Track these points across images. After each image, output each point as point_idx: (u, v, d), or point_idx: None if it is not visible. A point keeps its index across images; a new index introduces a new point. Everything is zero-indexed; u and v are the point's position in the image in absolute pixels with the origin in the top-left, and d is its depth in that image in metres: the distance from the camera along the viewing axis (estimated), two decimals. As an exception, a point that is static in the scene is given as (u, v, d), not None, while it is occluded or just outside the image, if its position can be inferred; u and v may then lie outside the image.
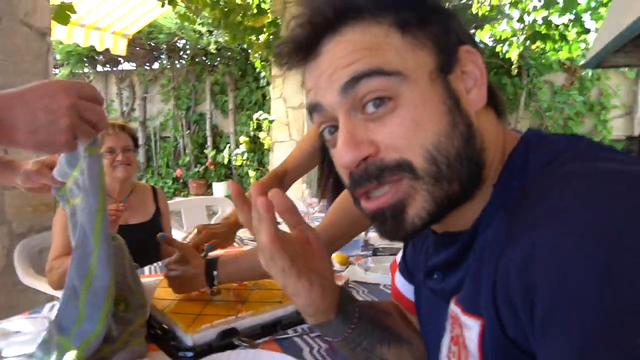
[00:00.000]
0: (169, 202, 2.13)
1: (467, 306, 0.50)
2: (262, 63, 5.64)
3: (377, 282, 1.34)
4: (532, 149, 0.49)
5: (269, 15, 4.90)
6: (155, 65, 8.27)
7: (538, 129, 0.53)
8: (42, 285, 1.79)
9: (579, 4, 5.03)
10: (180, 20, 5.64)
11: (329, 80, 0.49)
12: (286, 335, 0.99)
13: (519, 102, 6.74)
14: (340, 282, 1.26)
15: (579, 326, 0.33)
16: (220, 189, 7.82)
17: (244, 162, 7.33)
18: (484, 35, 6.07)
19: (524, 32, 5.76)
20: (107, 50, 4.90)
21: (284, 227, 0.57)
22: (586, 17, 5.38)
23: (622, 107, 6.66)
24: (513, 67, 6.32)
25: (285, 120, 5.38)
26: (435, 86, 0.48)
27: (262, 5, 4.80)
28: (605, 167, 0.41)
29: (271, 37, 4.95)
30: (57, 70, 7.91)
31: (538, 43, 5.43)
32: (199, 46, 7.55)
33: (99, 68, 8.32)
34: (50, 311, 1.13)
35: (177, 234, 2.23)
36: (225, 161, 7.76)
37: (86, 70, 8.27)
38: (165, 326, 1.01)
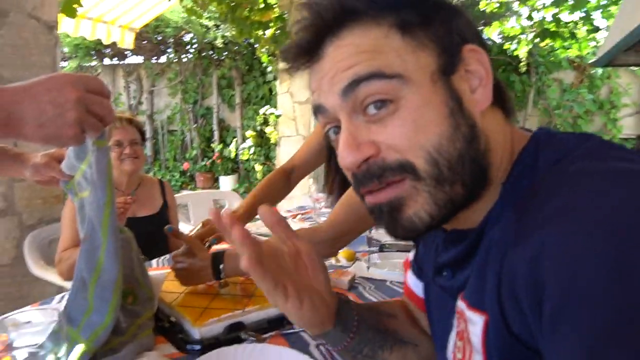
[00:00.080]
0: (176, 195, 2.13)
1: (472, 301, 0.50)
2: (269, 58, 5.64)
3: (383, 278, 1.34)
4: (542, 148, 0.49)
5: (276, 9, 4.89)
6: (162, 59, 8.28)
7: (548, 128, 0.53)
8: (51, 276, 1.81)
9: (588, 1, 4.98)
10: (187, 15, 5.65)
11: (330, 83, 0.49)
12: (293, 330, 0.99)
13: (528, 99, 6.69)
14: (346, 278, 1.26)
15: (589, 324, 0.33)
16: (227, 182, 7.84)
17: (251, 156, 7.34)
18: (492, 33, 6.02)
19: (533, 29, 5.72)
20: (114, 43, 4.91)
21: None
22: (596, 15, 5.33)
23: (633, 105, 6.59)
24: (522, 64, 6.28)
25: (292, 115, 5.38)
26: (437, 87, 0.47)
27: (269, 0, 4.79)
28: (615, 165, 0.41)
29: (278, 31, 4.94)
30: (64, 64, 7.95)
31: (547, 41, 5.39)
32: (205, 40, 7.55)
33: (107, 61, 8.34)
34: (60, 302, 1.14)
35: (185, 227, 2.24)
36: (232, 155, 7.78)
37: (94, 63, 8.30)
38: (173, 319, 1.01)
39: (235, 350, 0.88)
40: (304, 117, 5.25)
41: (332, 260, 1.48)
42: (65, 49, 7.65)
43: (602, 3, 5.18)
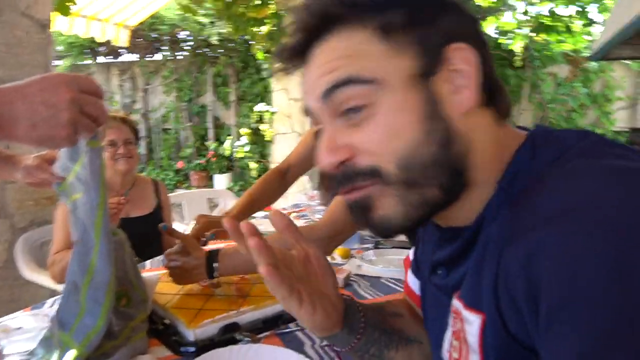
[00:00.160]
0: (170, 194, 2.13)
1: (468, 301, 0.49)
2: (265, 55, 5.62)
3: (378, 275, 1.34)
4: (539, 146, 0.49)
5: (272, 6, 4.87)
6: (157, 57, 8.24)
7: (545, 126, 0.53)
8: (43, 279, 1.79)
9: (584, -5, 4.99)
10: (182, 12, 5.62)
11: (313, 87, 0.51)
12: (288, 330, 0.99)
13: (522, 93, 6.70)
14: (342, 276, 1.26)
15: (589, 324, 0.33)
16: (221, 181, 7.82)
17: (246, 154, 7.33)
18: (488, 27, 6.02)
19: (529, 23, 5.72)
20: (108, 41, 4.87)
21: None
22: (591, 9, 5.34)
23: (627, 99, 6.60)
24: (517, 58, 6.28)
25: (288, 112, 5.37)
26: (412, 92, 0.48)
27: (264, -3, 4.77)
28: (613, 163, 0.41)
29: (274, 28, 4.92)
30: (58, 62, 7.89)
31: (543, 35, 5.40)
32: (200, 38, 7.51)
33: (100, 59, 8.29)
34: (52, 306, 1.13)
35: (179, 227, 2.23)
36: (227, 153, 7.75)
37: (87, 61, 8.24)
38: (167, 321, 1.01)
39: (230, 351, 0.88)
40: (299, 115, 5.24)
41: (328, 258, 1.48)
42: (59, 47, 7.59)
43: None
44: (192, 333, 0.93)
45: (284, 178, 1.57)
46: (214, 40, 7.09)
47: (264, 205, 1.55)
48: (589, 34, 6.07)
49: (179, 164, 8.17)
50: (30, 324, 0.70)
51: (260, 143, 7.36)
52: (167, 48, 7.95)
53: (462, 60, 0.48)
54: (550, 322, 0.36)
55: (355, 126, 0.49)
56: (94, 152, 0.79)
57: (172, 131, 8.37)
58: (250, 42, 6.25)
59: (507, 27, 6.02)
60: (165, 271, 1.15)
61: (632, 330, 0.32)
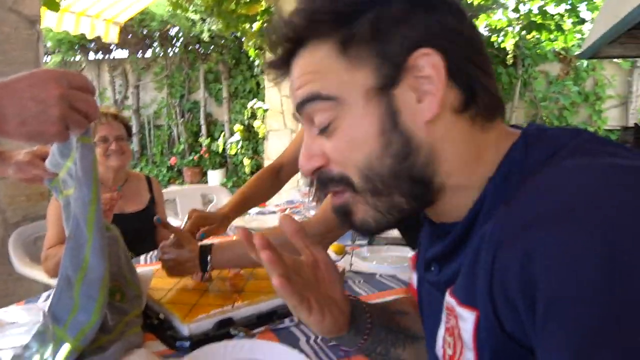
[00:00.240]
0: (163, 190, 2.12)
1: (462, 298, 0.49)
2: (256, 51, 5.60)
3: (372, 271, 1.35)
4: (532, 144, 0.48)
5: (263, 3, 4.85)
6: (148, 54, 8.17)
7: (538, 124, 0.52)
8: (37, 274, 1.78)
9: (574, -7, 5.02)
10: (173, 8, 5.58)
11: (293, 97, 0.54)
12: (283, 325, 0.99)
13: (514, 92, 6.73)
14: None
15: (578, 322, 0.34)
16: (215, 177, 7.79)
17: (239, 150, 7.30)
18: (479, 25, 6.04)
19: (520, 21, 5.75)
20: (99, 38, 4.83)
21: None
22: (582, 7, 5.38)
23: (617, 97, 6.66)
24: (508, 57, 6.31)
25: (280, 108, 5.36)
26: (371, 106, 0.48)
27: (256, -7, 4.75)
28: (608, 161, 0.41)
29: (265, 25, 4.90)
30: (48, 59, 7.81)
31: (533, 33, 5.42)
32: (192, 34, 7.46)
33: (91, 56, 8.21)
34: (46, 300, 1.13)
35: (173, 222, 2.22)
36: (220, 149, 7.73)
37: (78, 58, 8.16)
38: (161, 316, 1.01)
39: (225, 346, 0.88)
40: (292, 111, 5.23)
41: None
42: (48, 44, 7.51)
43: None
44: (186, 328, 0.93)
45: (277, 176, 1.57)
46: (205, 37, 7.05)
47: (257, 202, 1.55)
48: (579, 32, 6.12)
49: (172, 160, 8.13)
50: (24, 318, 0.69)
51: (253, 139, 7.34)
52: (157, 45, 7.89)
53: (427, 66, 0.47)
54: (546, 320, 0.36)
55: (327, 136, 0.51)
56: (85, 148, 0.79)
57: (165, 127, 8.32)
58: (241, 39, 6.22)
59: (499, 25, 6.05)
60: (159, 266, 1.15)
61: (619, 328, 0.32)
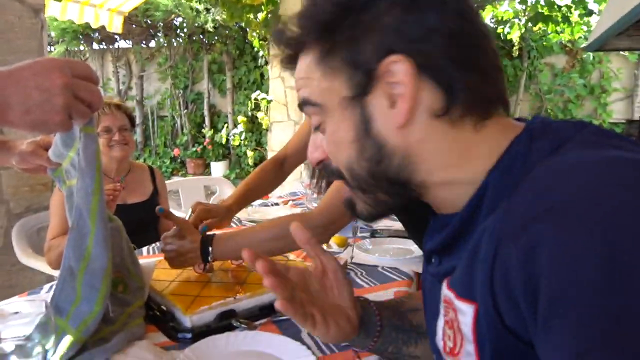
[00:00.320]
0: (167, 181, 2.12)
1: (461, 291, 0.49)
2: (260, 42, 5.57)
3: (375, 263, 1.35)
4: (536, 137, 0.48)
5: (268, -7, 4.82)
6: (152, 44, 8.15)
7: (543, 117, 0.52)
8: (40, 265, 1.79)
9: (582, -16, 4.97)
10: (177, -2, 5.55)
11: None
12: (284, 317, 0.99)
13: (519, 84, 6.69)
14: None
15: (579, 323, 0.33)
16: (218, 168, 7.80)
17: (242, 142, 7.30)
18: (485, 17, 5.99)
19: (526, 13, 5.70)
20: (103, 27, 4.81)
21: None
22: (589, -1, 5.32)
23: (623, 90, 6.60)
24: (514, 48, 6.26)
25: (284, 100, 5.34)
26: (346, 114, 0.51)
27: (261, -17, 4.72)
28: (611, 155, 0.41)
29: (269, 15, 4.87)
30: (52, 48, 7.80)
31: (540, 24, 5.37)
32: (196, 24, 7.43)
33: (95, 46, 8.20)
34: (49, 292, 1.13)
35: (175, 214, 2.22)
36: (223, 141, 7.72)
37: (82, 47, 8.15)
38: (163, 307, 1.01)
39: (226, 338, 0.88)
40: (296, 102, 5.21)
41: (324, 246, 1.48)
42: (52, 33, 7.50)
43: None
44: (188, 319, 0.93)
45: (281, 168, 1.57)
46: (209, 27, 7.02)
47: (261, 194, 1.55)
48: (586, 24, 6.06)
49: (175, 152, 8.13)
50: (26, 309, 0.69)
51: (256, 131, 7.32)
52: (161, 35, 7.87)
53: (398, 72, 0.47)
54: (547, 319, 0.36)
55: (322, 133, 0.55)
56: (88, 138, 0.78)
57: (168, 118, 8.32)
58: (246, 29, 6.19)
59: (505, 17, 5.99)
60: (161, 257, 1.15)
61: (620, 329, 0.32)
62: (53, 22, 6.74)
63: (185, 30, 7.78)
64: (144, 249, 1.55)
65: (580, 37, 6.32)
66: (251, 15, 4.95)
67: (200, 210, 1.24)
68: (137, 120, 8.02)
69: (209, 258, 1.06)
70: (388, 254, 1.42)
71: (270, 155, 5.57)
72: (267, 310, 1.01)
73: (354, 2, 0.49)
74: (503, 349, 0.44)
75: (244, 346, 0.87)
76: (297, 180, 3.33)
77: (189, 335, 0.91)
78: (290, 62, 0.56)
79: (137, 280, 1.01)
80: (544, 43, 6.55)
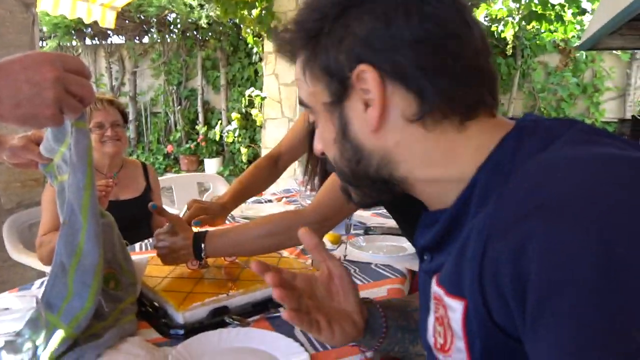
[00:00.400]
0: (160, 178, 2.10)
1: (450, 288, 0.50)
2: (254, 39, 5.55)
3: (368, 261, 1.35)
4: (527, 134, 0.48)
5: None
6: (145, 39, 8.09)
7: (534, 115, 0.52)
8: (31, 261, 1.78)
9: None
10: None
11: None
12: (278, 314, 0.99)
13: (513, 82, 6.71)
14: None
15: (573, 322, 0.33)
16: (211, 165, 7.77)
17: (236, 138, 7.27)
18: (479, 15, 6.00)
19: (520, 11, 5.71)
20: (95, 22, 4.77)
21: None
22: (582, -3, 5.34)
23: (615, 89, 6.64)
24: (508, 47, 6.27)
25: (278, 97, 5.33)
26: (329, 117, 0.54)
27: (255, -21, 4.70)
28: (602, 152, 0.41)
29: (263, 12, 4.85)
30: (43, 43, 7.72)
31: (534, 23, 5.39)
32: (189, 20, 7.39)
33: (88, 41, 8.13)
34: (40, 287, 1.12)
35: (169, 210, 2.21)
36: (217, 137, 7.69)
37: (74, 43, 8.08)
38: (156, 304, 1.01)
39: (219, 335, 0.88)
40: (290, 100, 5.20)
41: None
42: (44, 28, 7.43)
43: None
44: (181, 316, 0.93)
45: (275, 165, 1.56)
46: (203, 23, 6.98)
47: (255, 192, 1.55)
48: (579, 23, 6.08)
49: (169, 148, 8.09)
50: (17, 305, 0.69)
51: (250, 128, 7.30)
52: (155, 31, 7.81)
53: (368, 81, 0.49)
54: (537, 317, 0.36)
55: None
56: (80, 133, 0.78)
57: (162, 115, 8.28)
58: (240, 26, 6.16)
59: (499, 15, 6.00)
60: (154, 254, 1.14)
61: (615, 329, 0.32)
62: (45, 17, 6.67)
63: (179, 26, 7.73)
64: (137, 245, 1.54)
65: (573, 36, 6.34)
66: (245, 12, 4.92)
67: (196, 208, 1.24)
68: (130, 117, 7.97)
69: (202, 255, 1.06)
70: (381, 252, 1.42)
71: (264, 152, 5.56)
72: (259, 307, 1.01)
73: (329, 10, 0.50)
74: (493, 345, 0.44)
75: (236, 343, 0.87)
76: (291, 177, 3.32)
77: (181, 332, 0.91)
78: (292, 61, 0.58)
79: (130, 277, 1.00)
80: (538, 42, 6.57)
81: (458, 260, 0.48)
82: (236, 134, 7.19)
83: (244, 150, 7.19)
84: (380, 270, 1.29)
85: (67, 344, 0.78)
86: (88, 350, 0.79)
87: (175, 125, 8.18)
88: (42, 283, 1.14)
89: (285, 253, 1.28)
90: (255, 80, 7.53)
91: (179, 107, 8.08)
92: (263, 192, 2.30)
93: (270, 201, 2.22)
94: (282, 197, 2.30)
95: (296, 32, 0.54)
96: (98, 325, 0.85)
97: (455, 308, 0.48)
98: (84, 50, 8.19)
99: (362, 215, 1.87)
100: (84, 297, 0.80)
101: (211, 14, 6.78)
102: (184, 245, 1.06)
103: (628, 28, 3.47)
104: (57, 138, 0.84)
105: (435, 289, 0.53)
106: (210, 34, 7.62)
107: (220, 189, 2.73)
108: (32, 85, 0.62)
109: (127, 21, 7.37)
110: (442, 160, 0.51)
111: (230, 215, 1.85)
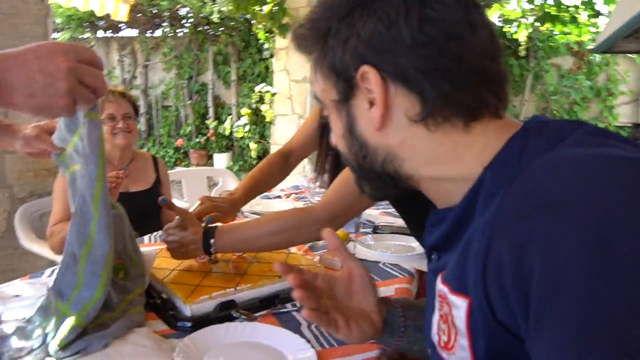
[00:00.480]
0: (169, 171, 2.12)
1: (454, 286, 0.50)
2: (266, 34, 5.55)
3: (376, 259, 1.35)
4: (533, 135, 0.48)
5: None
6: (157, 33, 8.13)
7: (542, 116, 0.52)
8: (42, 250, 1.80)
9: (591, -15, 4.93)
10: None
11: None
12: (284, 310, 0.99)
13: (525, 84, 6.65)
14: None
15: (573, 322, 0.33)
16: (221, 160, 7.79)
17: (246, 134, 7.28)
18: (492, 15, 5.95)
19: (534, 12, 5.66)
20: (108, 15, 4.79)
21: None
22: (598, 0, 5.28)
23: (630, 93, 6.55)
24: (521, 48, 6.22)
25: (288, 93, 5.33)
26: (338, 114, 0.56)
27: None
28: (608, 153, 0.41)
29: (275, 8, 4.85)
30: (57, 35, 7.78)
31: (547, 24, 5.34)
32: (201, 15, 7.40)
33: (100, 34, 8.18)
34: (50, 276, 1.13)
35: (178, 204, 2.22)
36: (227, 133, 7.71)
37: (87, 35, 8.13)
38: (164, 296, 1.01)
39: (226, 328, 0.88)
40: (300, 96, 5.20)
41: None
42: (58, 20, 7.48)
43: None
44: (188, 309, 0.93)
45: (286, 161, 1.56)
46: (215, 18, 6.99)
47: (266, 188, 1.55)
48: (594, 25, 6.01)
49: (179, 142, 8.13)
50: (28, 292, 0.70)
51: (260, 123, 7.31)
52: (167, 24, 7.84)
53: (371, 81, 0.50)
54: (540, 317, 0.36)
55: None
56: (92, 124, 0.78)
57: (172, 108, 8.31)
58: (251, 21, 6.16)
59: (513, 16, 5.95)
60: (163, 246, 1.15)
61: (614, 328, 0.32)
62: (58, 8, 6.72)
63: (190, 20, 7.75)
64: (146, 237, 1.55)
65: (587, 39, 6.27)
66: (257, 8, 4.93)
67: (209, 206, 1.24)
68: (141, 110, 8.02)
69: (211, 250, 1.06)
70: (390, 251, 1.42)
71: (273, 148, 5.57)
72: (267, 302, 1.01)
73: (337, 11, 0.52)
74: (496, 343, 0.44)
75: (243, 337, 0.87)
76: (301, 174, 3.32)
77: (189, 324, 0.91)
78: (309, 58, 0.60)
79: (139, 268, 1.01)
80: (551, 44, 6.50)
81: (462, 258, 0.48)
82: (246, 130, 7.20)
83: (253, 145, 7.21)
84: (388, 270, 1.28)
85: (76, 332, 0.78)
86: (95, 340, 0.80)
87: (186, 120, 8.22)
88: (53, 271, 1.15)
89: (293, 249, 1.28)
90: (266, 76, 7.53)
91: (190, 101, 8.11)
92: (272, 190, 2.31)
93: (279, 197, 2.22)
94: (291, 194, 2.30)
95: (309, 29, 0.55)
96: (106, 316, 0.85)
97: (460, 305, 0.48)
98: (96, 43, 8.24)
99: (371, 214, 1.87)
100: (94, 288, 0.81)
101: (223, 9, 6.78)
102: (194, 240, 1.06)
103: (644, 31, 3.42)
104: (69, 128, 0.84)
105: (440, 286, 0.53)
106: (222, 29, 7.63)
107: (229, 183, 2.74)
108: (46, 75, 0.63)
109: (139, 14, 7.40)
110: (446, 160, 0.51)
111: (240, 211, 1.86)
